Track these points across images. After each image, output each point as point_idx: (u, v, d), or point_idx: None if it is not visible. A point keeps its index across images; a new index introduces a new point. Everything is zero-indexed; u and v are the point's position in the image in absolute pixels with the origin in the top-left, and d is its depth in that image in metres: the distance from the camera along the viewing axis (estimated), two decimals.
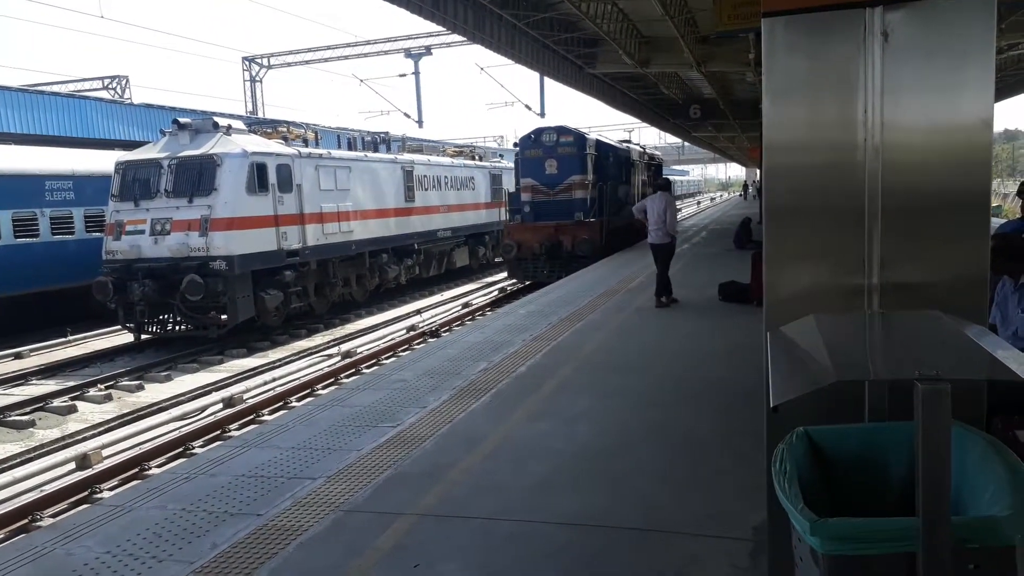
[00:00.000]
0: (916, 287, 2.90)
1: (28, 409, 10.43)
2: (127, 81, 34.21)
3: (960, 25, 2.80)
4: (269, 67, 36.40)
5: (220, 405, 10.45)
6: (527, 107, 26.82)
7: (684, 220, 33.09)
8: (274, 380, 11.80)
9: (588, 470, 4.66)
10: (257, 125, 18.36)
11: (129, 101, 28.85)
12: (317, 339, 15.42)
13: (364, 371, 11.41)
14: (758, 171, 40.89)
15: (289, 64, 36.34)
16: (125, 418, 10.01)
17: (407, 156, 21.53)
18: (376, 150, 20.29)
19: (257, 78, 36.14)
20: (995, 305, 4.72)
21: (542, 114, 30.88)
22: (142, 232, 14.22)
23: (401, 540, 3.81)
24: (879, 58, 2.87)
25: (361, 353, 13.22)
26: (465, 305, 18.05)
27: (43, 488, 7.62)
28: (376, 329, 16.12)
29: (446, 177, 23.27)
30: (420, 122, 34.12)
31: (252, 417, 9.63)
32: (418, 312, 17.98)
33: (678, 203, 17.46)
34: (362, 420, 5.87)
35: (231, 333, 14.52)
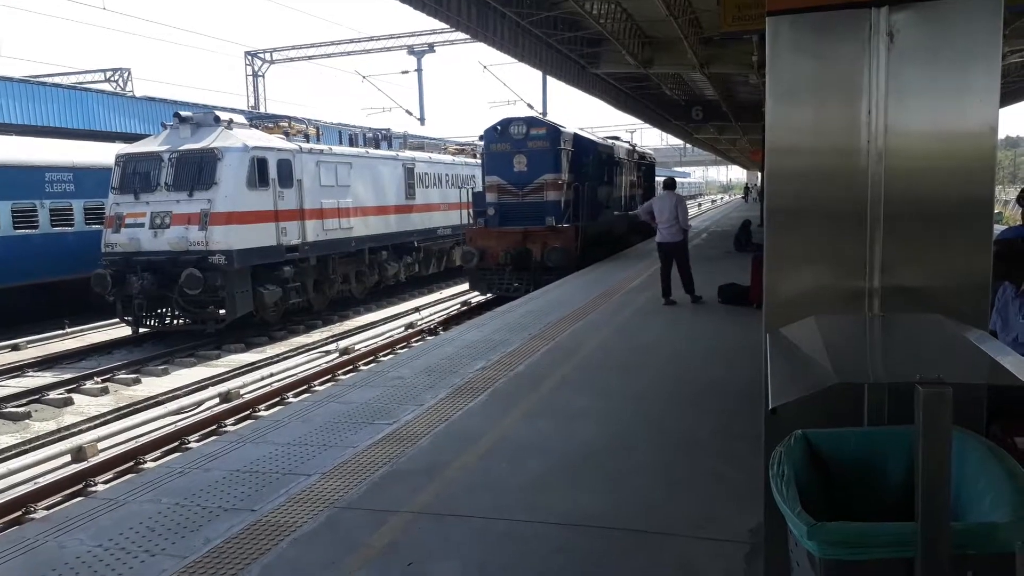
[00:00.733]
0: (917, 291, 2.88)
1: (24, 401, 10.41)
2: (129, 74, 34.19)
3: (966, 27, 2.78)
4: (271, 62, 36.38)
5: (216, 400, 10.43)
6: (529, 106, 26.79)
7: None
8: (271, 376, 11.78)
9: (585, 470, 4.63)
10: (258, 120, 18.36)
11: (131, 94, 28.81)
12: (315, 335, 15.40)
13: (361, 368, 11.39)
14: (759, 174, 40.91)
15: (291, 59, 36.32)
16: (121, 411, 9.99)
17: (408, 153, 21.50)
18: (377, 147, 20.26)
19: (259, 73, 36.11)
20: (995, 311, 4.70)
21: (544, 113, 30.85)
22: (142, 225, 14.21)
23: (396, 538, 3.78)
24: (884, 59, 2.85)
25: (359, 350, 13.20)
26: (464, 304, 18.03)
27: (37, 480, 7.60)
28: (374, 326, 16.10)
29: (447, 175, 23.23)
30: (422, 119, 34.09)
31: (248, 413, 9.61)
32: (417, 310, 17.96)
33: None
34: (358, 417, 5.85)
35: (229, 328, 14.50)
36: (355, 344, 13.83)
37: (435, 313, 17.42)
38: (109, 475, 7.64)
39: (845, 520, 2.05)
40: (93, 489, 7.18)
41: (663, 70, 18.62)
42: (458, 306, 17.84)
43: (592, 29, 14.52)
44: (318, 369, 11.80)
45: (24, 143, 17.24)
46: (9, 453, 8.45)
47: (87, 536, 3.90)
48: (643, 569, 3.43)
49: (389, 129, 22.06)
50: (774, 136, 3.05)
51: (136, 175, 14.56)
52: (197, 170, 14.24)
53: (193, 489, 4.48)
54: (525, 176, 16.69)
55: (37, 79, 24.32)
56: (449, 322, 15.54)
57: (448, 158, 24.24)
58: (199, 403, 10.39)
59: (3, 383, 11.66)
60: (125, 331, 14.84)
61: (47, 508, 6.78)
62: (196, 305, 14.15)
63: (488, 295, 17.07)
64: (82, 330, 15.81)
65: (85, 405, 10.56)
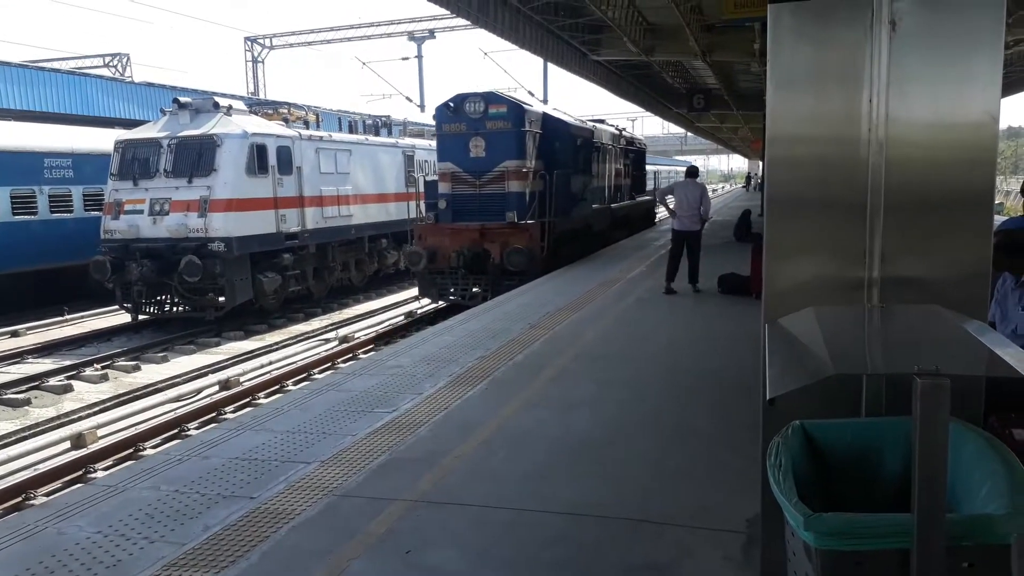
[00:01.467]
0: (917, 281, 2.87)
1: (24, 387, 10.42)
2: (128, 59, 34.02)
3: (969, 15, 2.76)
4: (271, 48, 36.20)
5: (216, 387, 10.45)
6: (530, 93, 26.62)
7: None
8: (270, 363, 11.79)
9: (584, 459, 4.64)
10: (258, 106, 18.28)
11: (130, 79, 28.69)
12: (315, 323, 15.41)
13: (361, 356, 11.40)
14: (760, 163, 40.85)
15: (291, 45, 36.15)
16: (121, 398, 10.01)
17: (408, 140, 21.42)
18: (377, 133, 20.19)
19: (259, 59, 35.95)
20: (995, 302, 4.69)
21: (545, 100, 30.74)
22: (141, 212, 14.18)
23: (394, 525, 3.79)
24: (886, 47, 2.83)
25: (359, 338, 13.21)
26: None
27: (37, 467, 7.62)
28: (374, 315, 16.10)
29: None
30: (422, 106, 33.95)
31: (248, 400, 9.63)
32: (417, 298, 17.96)
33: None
34: (358, 405, 5.86)
35: (228, 315, 14.50)
36: (355, 332, 13.84)
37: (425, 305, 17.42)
38: (108, 462, 7.66)
39: (842, 511, 2.05)
40: (93, 476, 7.19)
41: (664, 58, 18.51)
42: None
43: (593, 15, 14.42)
44: (317, 357, 11.80)
45: (23, 128, 17.19)
46: (9, 440, 8.46)
47: (87, 522, 3.91)
48: (641, 558, 3.44)
49: (389, 116, 21.97)
50: (775, 125, 3.03)
51: (135, 161, 14.52)
52: (196, 157, 14.20)
53: (192, 476, 4.49)
54: (483, 163, 14.21)
55: (36, 64, 24.22)
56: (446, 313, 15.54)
57: None
58: (198, 390, 10.40)
59: (3, 369, 11.67)
60: (124, 318, 14.85)
61: (47, 494, 6.80)
62: (195, 292, 14.15)
63: (440, 303, 15.02)
64: (81, 317, 15.81)
65: (85, 392, 10.57)
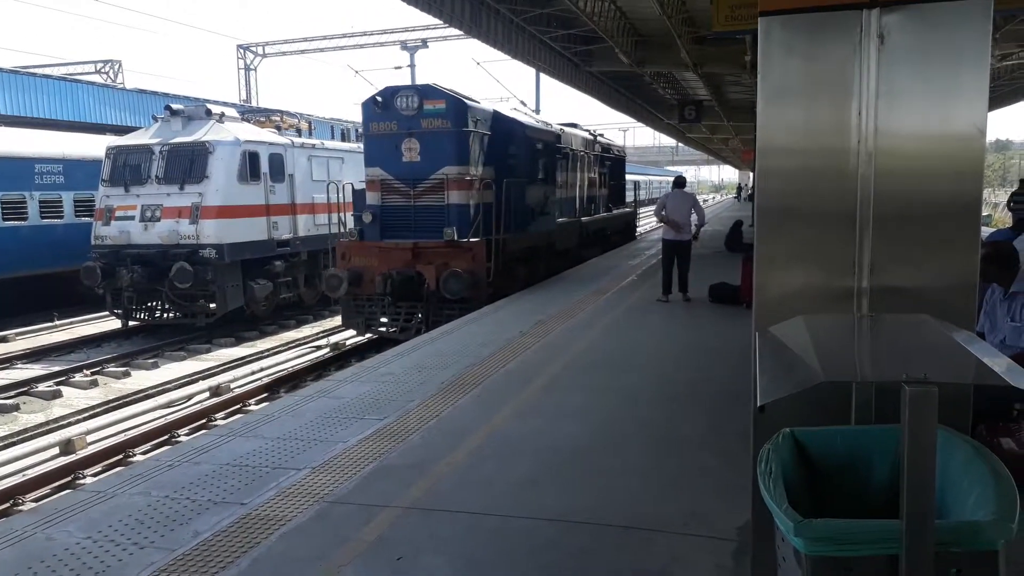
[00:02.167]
0: (905, 291, 2.91)
1: (12, 393, 10.35)
2: (120, 66, 33.96)
3: (956, 29, 2.81)
4: (264, 56, 36.21)
5: (207, 394, 10.41)
6: (522, 103, 26.74)
7: None
8: (262, 370, 11.76)
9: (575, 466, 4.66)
10: (250, 113, 18.26)
11: (122, 86, 28.63)
12: (306, 330, 15.37)
13: (352, 363, 11.38)
14: (751, 174, 41.11)
15: (284, 53, 36.15)
16: (110, 404, 9.95)
17: None
18: None
19: (251, 66, 35.95)
20: (983, 313, 4.75)
21: (537, 110, 30.87)
22: (132, 218, 14.14)
23: (385, 532, 3.79)
24: (875, 61, 2.87)
25: (349, 346, 13.18)
26: None
27: (26, 472, 7.56)
28: None
29: None
30: None
31: (239, 407, 9.60)
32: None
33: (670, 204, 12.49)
34: (349, 412, 5.85)
35: (219, 322, 14.46)
36: (345, 340, 13.81)
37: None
38: (98, 468, 7.62)
39: (832, 517, 2.07)
40: (82, 482, 7.15)
41: (656, 69, 18.66)
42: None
43: (586, 27, 14.52)
44: (309, 364, 11.78)
45: (13, 134, 17.12)
46: None
47: (76, 528, 3.89)
48: (631, 566, 3.45)
49: None
50: (765, 136, 3.07)
51: (127, 168, 14.49)
52: (188, 163, 14.18)
53: (182, 482, 4.48)
54: (418, 168, 11.99)
55: (27, 70, 24.14)
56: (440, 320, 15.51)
57: None
58: (189, 397, 10.36)
59: None
60: (115, 324, 14.77)
61: (36, 500, 6.75)
62: (186, 299, 14.11)
63: (368, 335, 12.83)
64: (71, 323, 15.73)
65: (74, 398, 10.51)
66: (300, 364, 11.95)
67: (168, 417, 9.27)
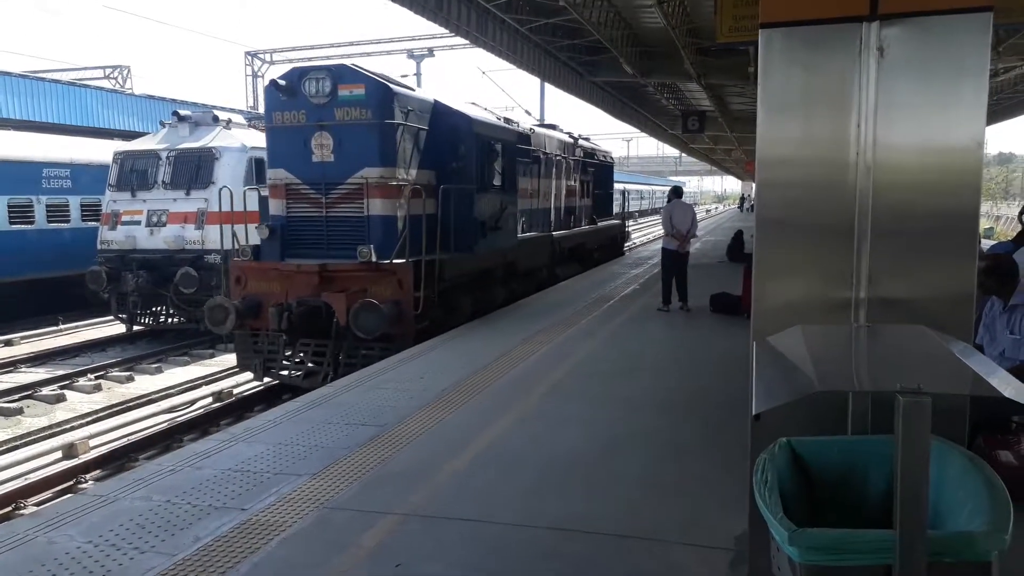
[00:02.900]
0: (902, 303, 2.93)
1: (16, 397, 10.38)
2: (128, 71, 34.18)
3: (956, 42, 2.84)
4: (272, 63, 36.41)
5: (210, 399, 10.43)
6: (527, 112, 26.77)
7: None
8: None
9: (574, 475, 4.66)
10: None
11: (130, 91, 28.81)
12: None
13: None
14: (753, 185, 41.13)
15: (291, 61, 36.32)
16: (113, 409, 9.98)
17: None
18: None
19: (259, 73, 36.14)
20: (983, 325, 4.76)
21: (542, 119, 30.99)
22: (138, 223, 14.21)
23: (385, 539, 3.80)
24: (874, 73, 2.90)
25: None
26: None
27: (28, 476, 7.59)
28: None
29: None
30: None
31: (241, 412, 9.61)
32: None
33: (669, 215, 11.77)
34: (350, 418, 5.87)
35: None
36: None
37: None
38: (100, 472, 7.64)
39: (827, 527, 2.09)
40: (84, 486, 7.17)
41: (660, 80, 18.73)
42: None
43: (591, 37, 14.60)
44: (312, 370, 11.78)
45: (21, 138, 17.24)
46: (0, 449, 8.43)
47: (77, 532, 3.91)
48: (630, 573, 3.46)
49: None
50: (765, 147, 3.10)
51: (134, 173, 14.57)
52: (195, 169, 14.26)
53: (184, 487, 4.49)
54: (332, 170, 9.60)
55: (36, 75, 24.32)
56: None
57: None
58: (192, 402, 10.38)
59: None
60: (119, 328, 14.81)
61: (37, 504, 6.77)
62: (191, 304, 14.14)
63: (266, 381, 10.29)
64: (76, 327, 15.78)
65: (78, 402, 10.54)
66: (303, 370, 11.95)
67: (171, 422, 9.29)
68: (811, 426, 2.77)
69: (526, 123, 14.87)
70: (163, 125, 15.59)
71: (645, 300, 12.00)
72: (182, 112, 15.54)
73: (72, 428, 9.22)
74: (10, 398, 10.31)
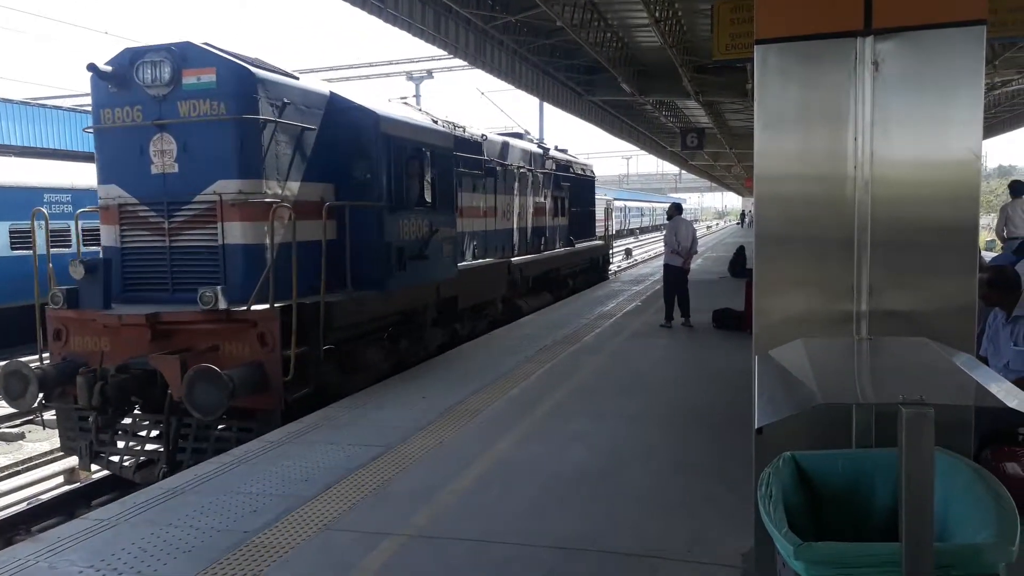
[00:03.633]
0: (904, 315, 2.93)
1: (18, 422, 10.35)
2: None
3: (950, 56, 2.86)
4: None
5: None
6: (526, 132, 26.87)
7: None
8: None
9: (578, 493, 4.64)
10: None
11: None
12: None
13: None
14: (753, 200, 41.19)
15: None
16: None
17: None
18: None
19: None
20: (987, 337, 4.74)
21: (541, 139, 31.14)
22: None
23: (388, 560, 3.77)
24: (869, 88, 2.92)
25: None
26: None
27: (30, 501, 7.55)
28: None
29: None
30: None
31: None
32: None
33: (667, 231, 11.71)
34: (352, 439, 5.84)
35: None
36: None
37: None
38: (103, 497, 7.59)
39: (832, 541, 2.07)
40: (85, 511, 7.13)
41: (658, 98, 18.85)
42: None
43: (589, 58, 14.71)
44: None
45: (23, 164, 17.33)
46: (3, 474, 8.40)
47: (78, 557, 3.89)
48: None
49: None
50: (763, 163, 3.11)
51: None
52: None
53: (186, 510, 4.47)
54: (176, 184, 7.29)
55: (37, 101, 24.48)
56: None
57: None
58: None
59: None
60: None
61: (40, 529, 6.73)
62: None
63: (97, 470, 7.61)
64: None
65: None
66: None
67: None
68: (814, 440, 2.76)
69: (477, 128, 12.29)
70: None
71: (647, 317, 11.99)
72: None
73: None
74: (11, 423, 10.28)
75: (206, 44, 7.35)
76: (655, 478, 4.87)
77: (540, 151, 15.56)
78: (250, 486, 4.85)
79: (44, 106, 23.33)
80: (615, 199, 48.57)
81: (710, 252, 29.59)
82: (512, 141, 13.99)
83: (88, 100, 7.87)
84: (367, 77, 33.68)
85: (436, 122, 10.40)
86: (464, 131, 11.47)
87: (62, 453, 9.08)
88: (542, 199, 15.24)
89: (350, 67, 34.51)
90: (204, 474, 5.16)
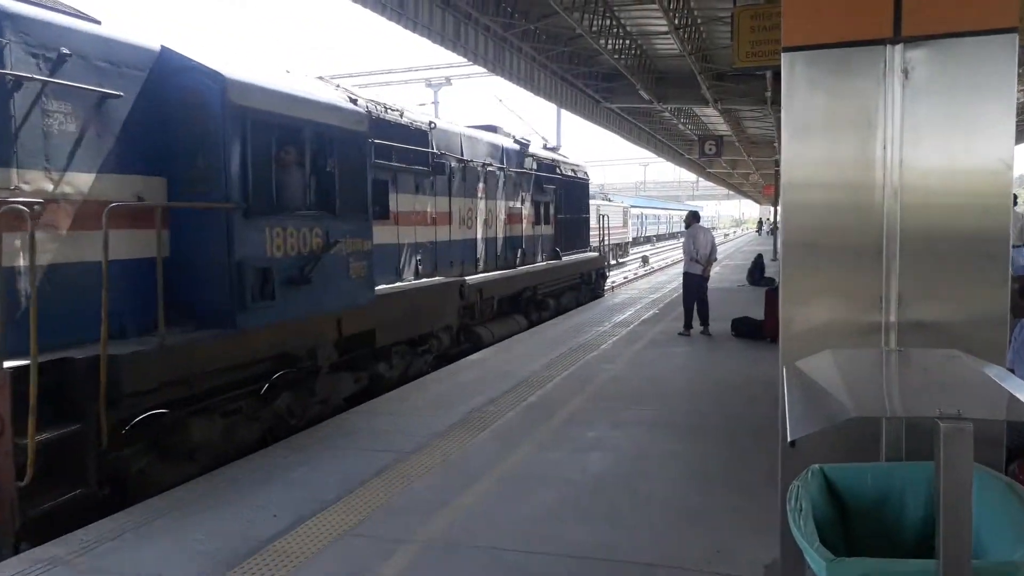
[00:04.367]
0: (934, 325, 2.88)
1: None
2: None
3: (981, 64, 2.82)
4: None
5: None
6: (544, 139, 26.80)
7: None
8: None
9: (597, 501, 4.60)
10: None
11: None
12: None
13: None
14: (772, 209, 41.04)
15: None
16: None
17: None
18: None
19: None
20: (1012, 349, 4.67)
21: (558, 146, 31.13)
22: None
23: (405, 568, 3.76)
24: (899, 96, 2.89)
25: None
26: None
27: None
28: None
29: None
30: None
31: None
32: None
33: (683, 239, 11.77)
34: (367, 446, 5.84)
35: None
36: None
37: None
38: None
39: (863, 556, 2.03)
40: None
41: (676, 105, 18.83)
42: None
43: (607, 65, 14.72)
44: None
45: None
46: None
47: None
48: None
49: None
50: (790, 170, 3.08)
51: None
52: None
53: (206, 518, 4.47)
54: None
55: None
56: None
57: None
58: None
59: None
60: None
61: None
62: None
63: None
64: None
65: None
66: None
67: None
68: (841, 451, 2.72)
69: (421, 114, 10.18)
70: None
71: (665, 325, 11.94)
72: None
73: None
74: None
75: None
76: (674, 487, 4.83)
77: (516, 147, 13.15)
78: (267, 494, 4.85)
79: None
80: (632, 206, 48.45)
81: (728, 260, 29.41)
82: (476, 133, 11.70)
83: None
84: (387, 84, 33.89)
85: (356, 102, 7.98)
86: (401, 115, 9.08)
87: None
88: (518, 204, 12.99)
89: (369, 74, 34.70)
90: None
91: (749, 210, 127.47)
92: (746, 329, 10.66)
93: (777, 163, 19.08)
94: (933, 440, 1.83)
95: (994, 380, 2.22)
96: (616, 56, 13.45)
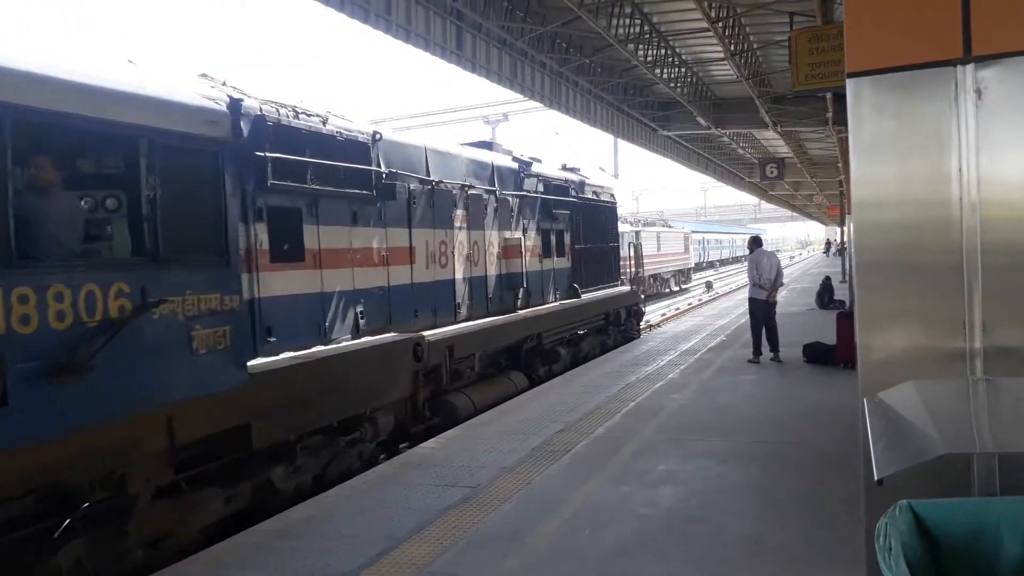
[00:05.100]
0: (1022, 352, 2.76)
1: None
2: None
3: None
4: None
5: None
6: (601, 169, 26.72)
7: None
8: None
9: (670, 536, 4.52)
10: None
11: None
12: None
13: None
14: (838, 229, 39.99)
15: None
16: None
17: None
18: None
19: None
20: None
21: (616, 175, 31.09)
22: None
23: None
24: (972, 116, 2.82)
25: None
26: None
27: None
28: None
29: None
30: None
31: None
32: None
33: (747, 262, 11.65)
34: (439, 480, 5.87)
35: None
36: None
37: None
38: None
39: None
40: None
41: (734, 130, 18.67)
42: None
43: (662, 93, 14.73)
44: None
45: None
46: None
47: None
48: None
49: None
50: (861, 191, 3.02)
51: None
52: None
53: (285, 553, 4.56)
54: None
55: None
56: None
57: None
58: None
59: None
60: None
61: None
62: None
63: None
64: None
65: None
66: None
67: None
68: (928, 485, 2.61)
69: (361, 122, 7.61)
70: None
71: (733, 351, 11.71)
72: None
73: None
74: None
75: None
76: (748, 520, 4.70)
77: (514, 165, 10.76)
78: (344, 527, 4.90)
79: None
80: (693, 231, 48.00)
81: (795, 284, 28.72)
82: (448, 147, 9.39)
83: None
84: (445, 123, 34.56)
85: (240, 102, 5.62)
86: (324, 122, 6.76)
87: None
88: (517, 233, 10.49)
89: (428, 114, 35.48)
90: (300, 517, 5.25)
91: (815, 231, 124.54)
92: (817, 354, 10.38)
93: (841, 183, 18.65)
94: None
95: None
96: (672, 84, 13.46)
